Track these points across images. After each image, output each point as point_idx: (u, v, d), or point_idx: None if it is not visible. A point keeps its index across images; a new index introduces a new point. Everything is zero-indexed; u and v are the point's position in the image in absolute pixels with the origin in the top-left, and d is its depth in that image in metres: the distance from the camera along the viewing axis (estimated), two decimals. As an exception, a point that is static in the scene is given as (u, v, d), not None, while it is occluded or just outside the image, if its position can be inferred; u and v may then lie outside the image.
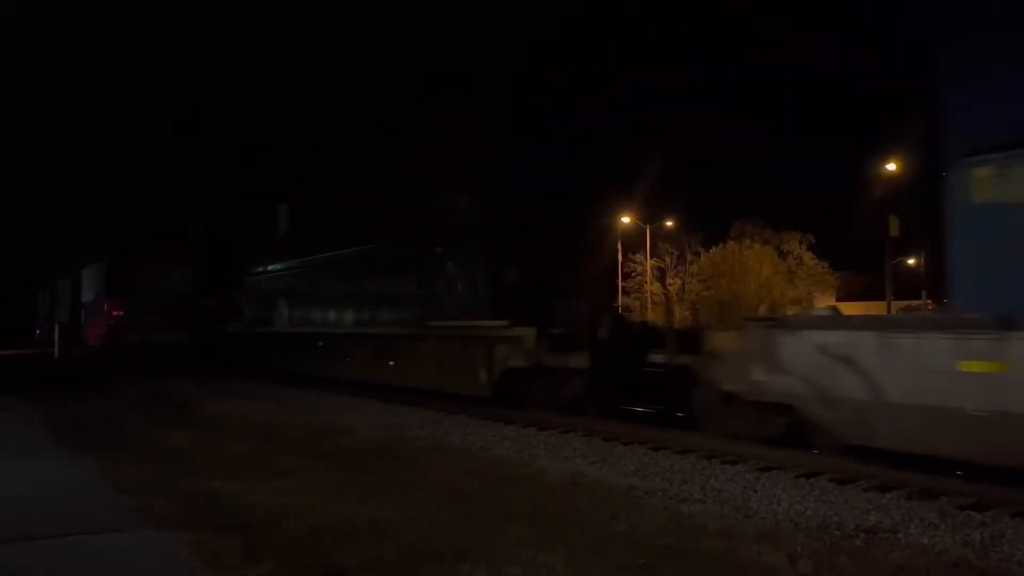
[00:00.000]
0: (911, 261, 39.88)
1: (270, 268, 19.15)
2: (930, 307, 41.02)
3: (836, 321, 7.76)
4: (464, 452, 8.38)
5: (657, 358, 9.24)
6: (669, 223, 40.32)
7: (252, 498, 6.10)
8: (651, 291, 39.32)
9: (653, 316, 30.99)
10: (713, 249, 40.80)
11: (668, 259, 41.92)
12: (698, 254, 41.76)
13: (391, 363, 13.48)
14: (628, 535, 5.08)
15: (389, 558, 4.55)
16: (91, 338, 38.87)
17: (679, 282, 41.69)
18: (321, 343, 16.28)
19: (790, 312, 32.09)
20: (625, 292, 32.93)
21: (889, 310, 32.18)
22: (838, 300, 41.96)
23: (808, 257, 40.41)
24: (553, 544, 4.79)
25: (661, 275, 42.24)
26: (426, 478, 6.99)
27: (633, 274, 40.07)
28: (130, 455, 8.08)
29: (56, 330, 31.06)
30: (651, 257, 40.59)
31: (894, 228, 32.54)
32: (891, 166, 32.32)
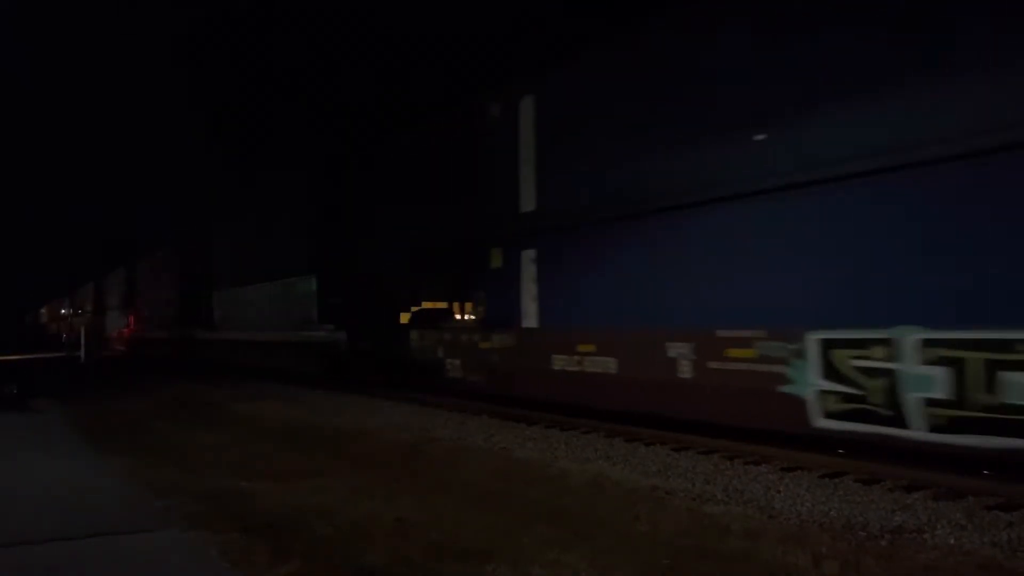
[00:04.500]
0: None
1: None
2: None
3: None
4: (487, 453, 8.42)
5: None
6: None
7: (279, 498, 6.18)
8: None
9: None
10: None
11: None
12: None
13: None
14: (651, 536, 5.09)
15: (415, 558, 4.60)
16: (117, 341, 39.59)
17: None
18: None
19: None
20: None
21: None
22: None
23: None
24: (577, 544, 4.81)
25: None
26: (450, 478, 7.03)
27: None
28: (158, 456, 8.21)
29: (83, 333, 31.47)
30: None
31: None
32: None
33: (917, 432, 6.19)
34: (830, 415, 6.81)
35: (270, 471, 7.36)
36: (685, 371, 8.15)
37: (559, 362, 9.92)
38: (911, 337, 6.16)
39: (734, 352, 7.63)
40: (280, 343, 18.49)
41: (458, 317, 12.89)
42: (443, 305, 13.36)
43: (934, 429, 6.08)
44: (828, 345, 6.82)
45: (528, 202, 10.75)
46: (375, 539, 5.00)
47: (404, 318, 13.92)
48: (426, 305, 13.77)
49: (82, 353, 29.69)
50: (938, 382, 6.00)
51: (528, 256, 10.65)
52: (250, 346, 20.91)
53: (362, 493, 6.33)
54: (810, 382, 6.92)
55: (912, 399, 6.18)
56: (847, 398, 6.68)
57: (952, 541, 4.92)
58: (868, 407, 6.50)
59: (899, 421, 6.30)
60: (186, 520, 5.44)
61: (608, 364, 9.17)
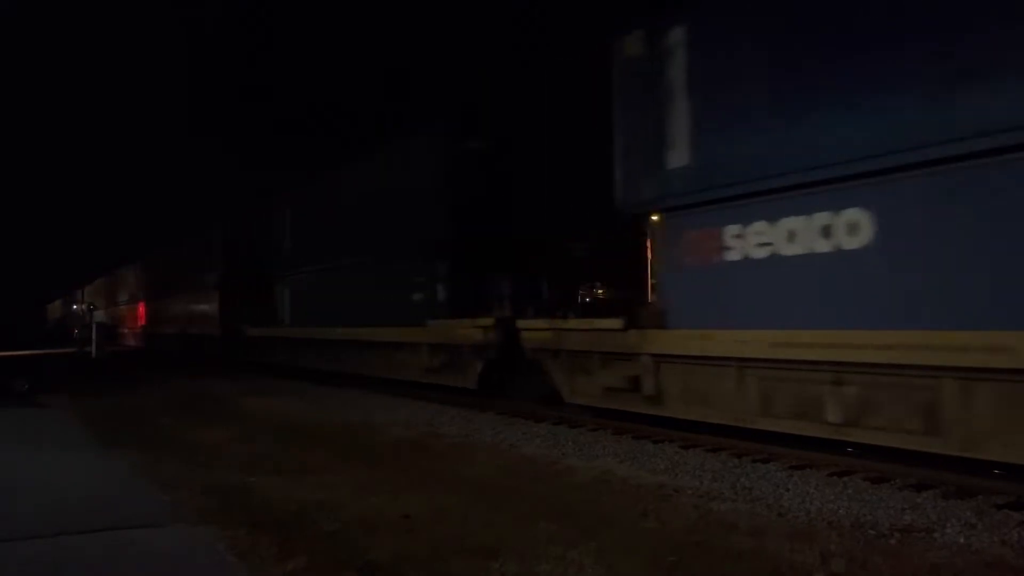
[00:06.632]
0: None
1: None
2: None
3: None
4: (494, 449, 8.42)
5: None
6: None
7: (285, 494, 6.18)
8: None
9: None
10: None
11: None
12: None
13: None
14: (658, 533, 5.07)
15: (421, 553, 4.59)
16: (127, 336, 39.74)
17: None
18: None
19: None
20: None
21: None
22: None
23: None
24: (583, 541, 4.80)
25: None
26: (457, 475, 7.03)
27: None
28: (165, 451, 8.23)
29: (94, 329, 31.55)
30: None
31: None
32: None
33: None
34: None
35: (276, 466, 7.37)
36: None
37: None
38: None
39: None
40: (198, 335, 26.15)
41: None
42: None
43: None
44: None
45: (287, 261, 19.68)
46: (381, 535, 5.00)
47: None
48: None
49: (93, 348, 29.81)
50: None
51: (287, 289, 19.83)
52: (187, 338, 27.84)
53: (368, 489, 6.33)
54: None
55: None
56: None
57: (962, 540, 4.89)
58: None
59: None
60: (193, 515, 5.46)
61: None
